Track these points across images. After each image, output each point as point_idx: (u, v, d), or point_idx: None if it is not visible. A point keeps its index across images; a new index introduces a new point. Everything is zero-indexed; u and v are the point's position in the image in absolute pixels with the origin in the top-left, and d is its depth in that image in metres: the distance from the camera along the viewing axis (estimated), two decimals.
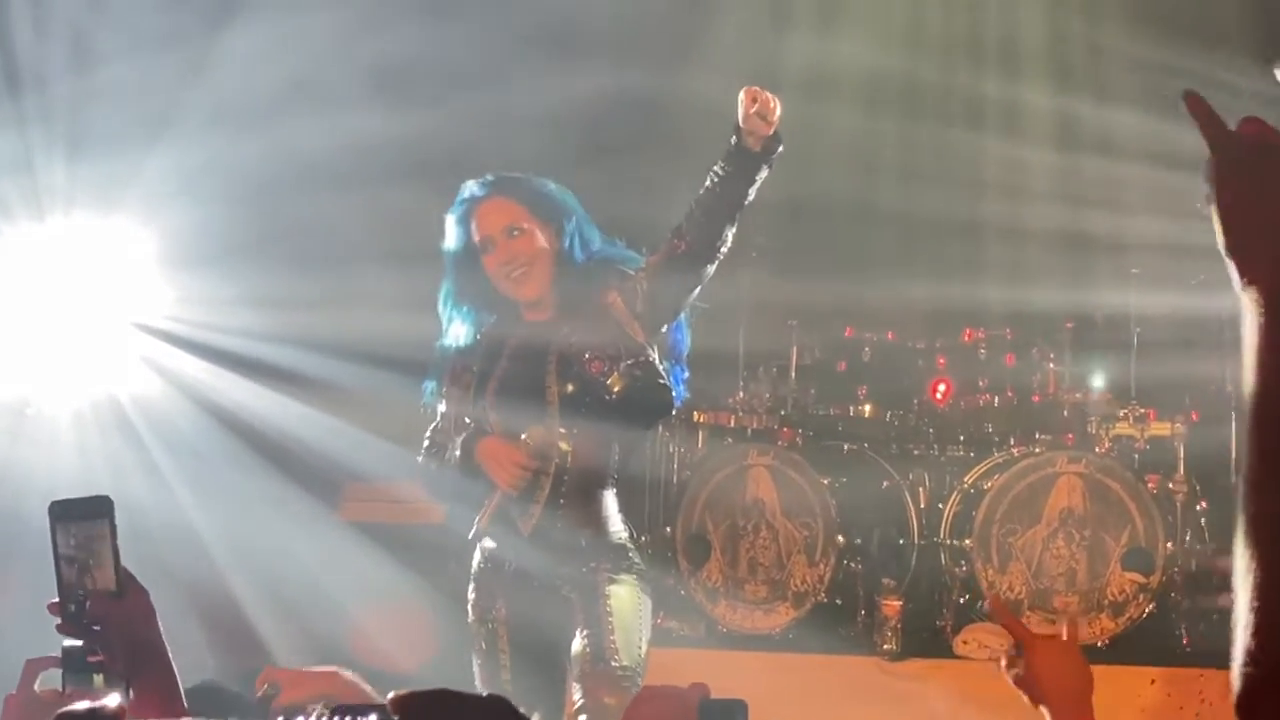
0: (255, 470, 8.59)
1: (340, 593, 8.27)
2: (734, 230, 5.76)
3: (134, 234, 8.90)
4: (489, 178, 5.98)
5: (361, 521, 8.77)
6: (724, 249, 5.78)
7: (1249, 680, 1.72)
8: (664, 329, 5.99)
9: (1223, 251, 1.94)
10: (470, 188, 5.93)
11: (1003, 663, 3.40)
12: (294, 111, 8.26)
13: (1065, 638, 3.55)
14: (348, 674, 3.99)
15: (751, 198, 5.67)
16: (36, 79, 8.69)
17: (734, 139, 5.63)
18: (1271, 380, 1.80)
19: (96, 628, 3.04)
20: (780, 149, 5.53)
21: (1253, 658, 1.73)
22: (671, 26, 9.98)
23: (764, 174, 5.62)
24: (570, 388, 5.79)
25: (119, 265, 8.88)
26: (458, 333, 5.98)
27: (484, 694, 1.49)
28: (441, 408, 5.99)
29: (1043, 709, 3.44)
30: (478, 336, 5.93)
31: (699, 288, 5.88)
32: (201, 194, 8.53)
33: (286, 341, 8.64)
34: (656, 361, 5.89)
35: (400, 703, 1.42)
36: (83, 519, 3.05)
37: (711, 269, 5.80)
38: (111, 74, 8.55)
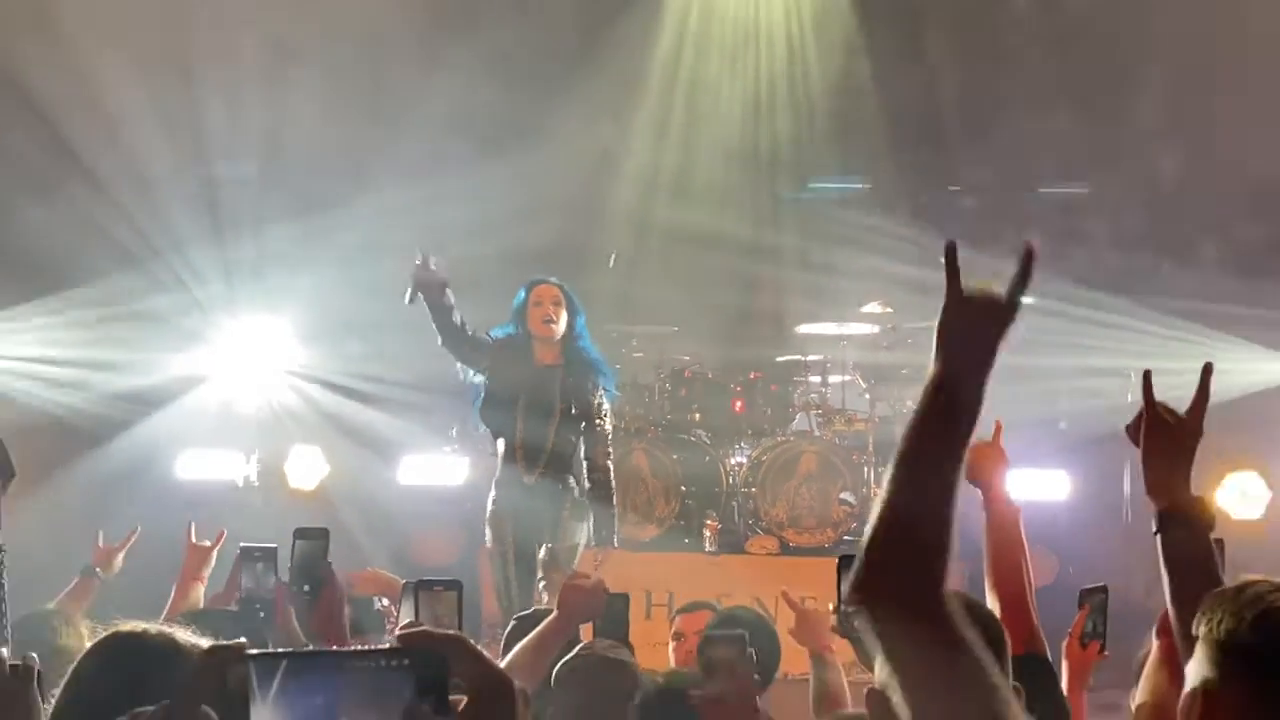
0: (359, 451, 11.08)
1: (403, 522, 10.74)
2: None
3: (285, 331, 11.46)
4: (544, 277, 7.87)
5: (412, 484, 10.84)
6: None
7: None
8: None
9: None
10: (534, 277, 7.88)
11: None
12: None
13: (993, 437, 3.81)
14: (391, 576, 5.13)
15: None
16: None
17: None
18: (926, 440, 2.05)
19: None
20: None
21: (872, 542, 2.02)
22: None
23: None
24: (571, 410, 7.74)
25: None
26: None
27: (448, 632, 1.62)
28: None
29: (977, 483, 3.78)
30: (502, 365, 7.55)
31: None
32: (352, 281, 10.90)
33: (377, 380, 11.12)
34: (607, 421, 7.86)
35: (406, 636, 1.56)
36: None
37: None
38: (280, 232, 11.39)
